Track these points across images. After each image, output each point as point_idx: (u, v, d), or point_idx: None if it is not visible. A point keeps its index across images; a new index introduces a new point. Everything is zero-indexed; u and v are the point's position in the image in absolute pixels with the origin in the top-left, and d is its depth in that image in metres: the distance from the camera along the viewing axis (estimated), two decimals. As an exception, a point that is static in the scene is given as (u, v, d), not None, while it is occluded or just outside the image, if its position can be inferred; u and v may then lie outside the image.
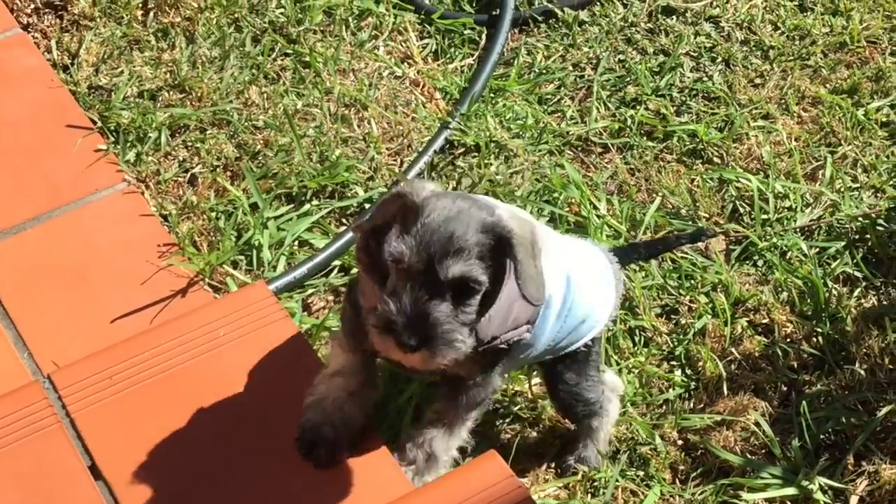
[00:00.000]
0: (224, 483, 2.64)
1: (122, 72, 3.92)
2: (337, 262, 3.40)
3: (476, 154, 3.78)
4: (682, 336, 3.30)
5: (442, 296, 2.28)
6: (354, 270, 3.37)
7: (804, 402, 3.08)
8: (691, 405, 3.18)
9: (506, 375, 2.76)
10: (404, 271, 2.29)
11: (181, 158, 3.66)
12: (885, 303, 3.37)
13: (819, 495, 2.92)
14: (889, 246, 3.52)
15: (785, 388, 3.20)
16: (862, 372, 3.17)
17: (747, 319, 3.35)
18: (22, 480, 2.63)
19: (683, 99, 4.03)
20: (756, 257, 3.53)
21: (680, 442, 3.10)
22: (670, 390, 3.19)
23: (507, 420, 3.10)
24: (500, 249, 2.33)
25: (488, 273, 2.32)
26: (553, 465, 3.04)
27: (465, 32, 4.24)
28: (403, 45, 4.20)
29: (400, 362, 2.40)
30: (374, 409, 2.80)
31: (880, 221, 3.58)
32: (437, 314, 2.27)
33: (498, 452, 2.74)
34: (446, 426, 2.63)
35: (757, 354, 3.26)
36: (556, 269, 2.59)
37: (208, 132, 3.73)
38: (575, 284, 2.67)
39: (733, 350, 3.27)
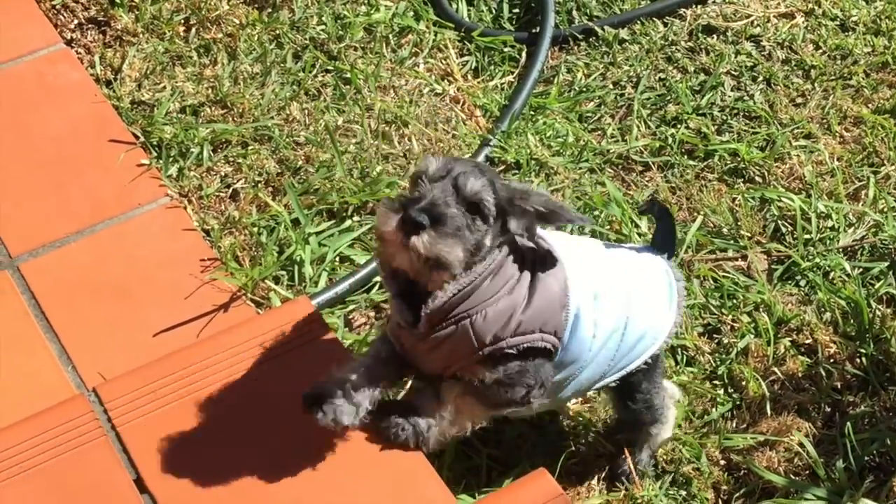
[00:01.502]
0: (267, 497, 2.63)
1: (164, 87, 3.94)
2: (378, 278, 3.39)
3: (517, 171, 3.78)
4: (724, 355, 3.28)
5: (458, 204, 2.41)
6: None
7: (848, 423, 3.06)
8: (734, 425, 3.16)
9: (547, 397, 2.70)
10: (427, 178, 2.44)
11: (223, 174, 3.68)
12: (929, 324, 3.35)
13: (864, 517, 2.90)
14: (933, 266, 3.51)
15: (829, 409, 3.18)
16: (906, 393, 3.15)
17: (790, 339, 3.33)
18: (67, 493, 2.63)
19: (724, 118, 4.02)
20: (798, 277, 3.51)
21: (723, 462, 3.08)
22: (714, 410, 3.17)
23: (550, 437, 3.08)
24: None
25: (494, 219, 2.46)
26: (595, 482, 3.03)
27: (506, 50, 4.25)
28: (443, 62, 4.21)
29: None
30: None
31: (924, 242, 3.56)
32: (451, 210, 2.39)
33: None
34: (473, 393, 2.62)
35: (800, 374, 3.25)
36: (608, 290, 2.65)
37: (250, 148, 3.74)
38: (636, 300, 2.71)
39: (776, 370, 3.25)
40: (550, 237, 2.66)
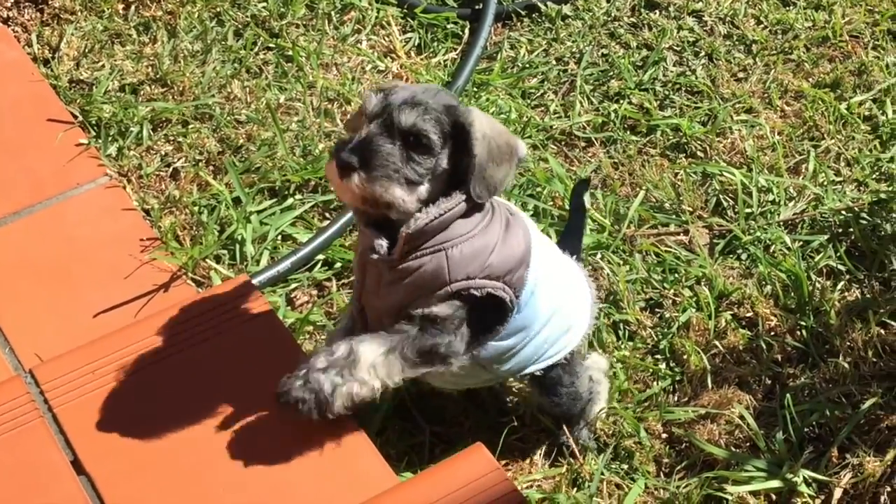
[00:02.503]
0: (207, 476, 2.62)
1: (103, 66, 3.90)
2: (321, 257, 3.38)
3: (459, 148, 3.76)
4: (666, 330, 3.30)
5: (392, 140, 2.41)
6: (338, 265, 3.36)
7: (788, 396, 3.07)
8: (676, 398, 3.17)
9: (473, 353, 2.63)
10: (366, 117, 2.45)
11: (163, 153, 3.65)
12: (868, 296, 3.37)
13: (803, 488, 2.92)
14: (872, 239, 3.53)
15: (769, 382, 3.20)
16: (846, 365, 3.17)
17: (731, 313, 3.35)
18: (3, 475, 2.60)
19: (667, 93, 4.04)
20: (740, 251, 3.53)
21: (664, 435, 3.09)
22: (655, 384, 3.18)
23: (492, 414, 3.09)
24: (461, 139, 2.45)
25: (442, 143, 2.44)
26: (537, 457, 3.03)
27: (448, 27, 4.24)
28: (386, 39, 4.19)
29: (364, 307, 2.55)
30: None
31: (863, 215, 3.58)
32: (383, 147, 2.40)
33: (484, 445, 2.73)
34: (383, 342, 2.52)
35: (741, 348, 3.26)
36: (553, 268, 2.66)
37: (190, 126, 3.72)
38: (567, 292, 2.74)
39: (717, 343, 3.26)
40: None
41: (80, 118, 3.68)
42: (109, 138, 3.63)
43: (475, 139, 2.43)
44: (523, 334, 2.67)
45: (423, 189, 2.45)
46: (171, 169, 3.60)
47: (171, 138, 3.68)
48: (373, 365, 2.51)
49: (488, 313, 2.58)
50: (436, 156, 2.44)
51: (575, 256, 2.93)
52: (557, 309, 2.70)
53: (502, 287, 2.54)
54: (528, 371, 2.77)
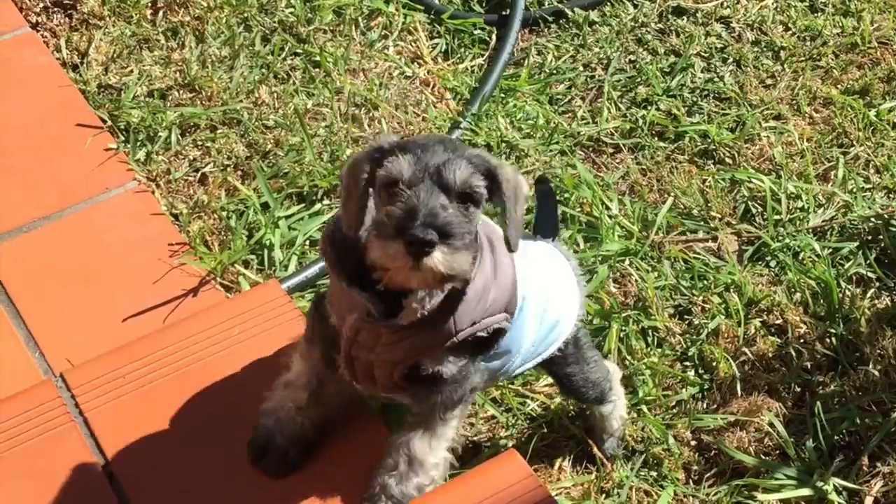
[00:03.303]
0: (235, 481, 2.62)
1: (131, 71, 3.91)
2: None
3: (487, 154, 3.76)
4: (695, 336, 3.28)
5: (449, 201, 2.15)
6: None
7: (818, 403, 3.06)
8: (704, 406, 3.16)
9: (484, 378, 2.56)
10: (403, 188, 2.15)
11: (192, 157, 3.65)
12: (898, 304, 3.36)
13: (834, 496, 2.91)
14: (902, 247, 3.52)
15: (799, 389, 3.18)
16: (876, 373, 3.16)
17: (760, 320, 3.34)
18: (35, 479, 2.61)
19: (695, 99, 4.03)
20: (769, 258, 3.52)
21: (693, 442, 3.08)
22: (684, 390, 3.17)
23: (520, 420, 3.08)
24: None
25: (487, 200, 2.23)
26: (566, 464, 3.02)
27: (476, 32, 4.24)
28: (413, 44, 4.19)
29: (353, 362, 2.40)
30: (327, 424, 2.73)
31: (893, 222, 3.57)
32: (454, 216, 2.14)
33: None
34: (424, 428, 2.50)
35: (770, 355, 3.25)
36: (530, 269, 2.52)
37: (219, 131, 3.72)
38: (548, 287, 2.60)
39: (747, 350, 3.25)
40: None
41: (109, 123, 3.69)
42: (138, 143, 3.64)
43: (505, 183, 2.23)
44: (511, 354, 2.56)
45: (472, 238, 2.23)
46: (199, 174, 3.61)
47: (200, 143, 3.69)
48: (433, 455, 2.52)
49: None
50: (482, 202, 2.22)
51: (552, 239, 2.76)
52: (543, 312, 2.57)
53: (504, 317, 2.41)
54: (517, 373, 2.70)
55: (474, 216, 2.22)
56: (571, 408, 3.09)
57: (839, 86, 4.09)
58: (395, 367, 2.39)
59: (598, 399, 2.90)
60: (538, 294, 2.54)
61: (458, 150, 2.22)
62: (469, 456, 2.97)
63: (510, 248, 2.29)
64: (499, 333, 2.43)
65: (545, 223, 2.77)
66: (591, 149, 3.86)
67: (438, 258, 2.10)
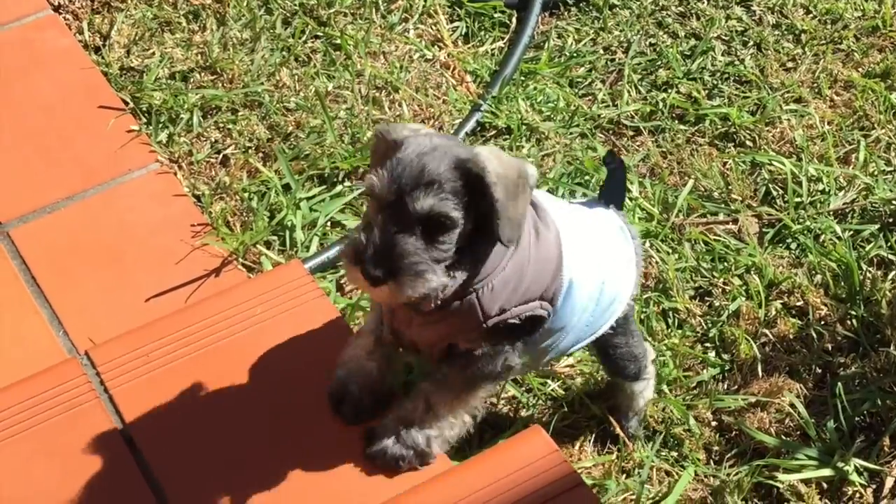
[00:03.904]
0: (258, 458, 2.64)
1: (153, 53, 3.92)
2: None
3: (507, 136, 3.77)
4: (715, 318, 3.29)
5: (412, 230, 2.23)
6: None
7: (839, 384, 3.06)
8: (725, 387, 3.16)
9: (523, 358, 2.59)
10: (376, 204, 2.27)
11: (213, 139, 3.67)
12: (919, 286, 3.36)
13: (854, 477, 2.91)
14: (923, 229, 3.52)
15: (819, 371, 3.19)
16: (897, 354, 3.16)
17: (781, 302, 3.34)
18: (61, 455, 2.63)
19: (715, 82, 4.03)
20: (789, 240, 3.52)
21: (714, 423, 3.09)
22: (705, 371, 3.17)
23: (541, 401, 3.09)
24: (477, 188, 2.26)
25: (463, 211, 2.26)
26: (587, 444, 3.03)
27: (496, 16, 4.24)
28: (433, 27, 4.19)
29: (398, 333, 2.50)
30: (401, 371, 2.82)
31: (914, 204, 3.57)
32: (404, 246, 2.23)
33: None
34: (450, 388, 2.55)
35: (791, 336, 3.25)
36: (589, 245, 2.56)
37: (240, 113, 3.73)
38: (606, 264, 2.62)
39: (767, 332, 3.26)
40: None
41: (131, 105, 3.70)
42: (160, 125, 3.65)
43: (493, 185, 2.24)
44: (560, 333, 2.59)
45: (450, 257, 2.30)
46: (220, 156, 3.62)
47: (221, 125, 3.70)
48: (451, 408, 2.56)
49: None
50: (458, 227, 2.28)
51: (616, 207, 2.77)
52: (599, 293, 2.60)
53: (539, 305, 2.45)
54: (573, 350, 2.74)
55: (447, 237, 2.27)
56: (595, 385, 3.10)
57: (860, 69, 4.08)
58: (433, 346, 2.50)
59: (635, 375, 2.92)
60: (595, 272, 2.56)
61: (443, 165, 2.25)
62: (490, 436, 2.98)
63: (503, 243, 2.31)
64: (535, 321, 2.48)
65: (611, 192, 2.79)
66: (611, 131, 3.86)
67: (385, 293, 2.25)
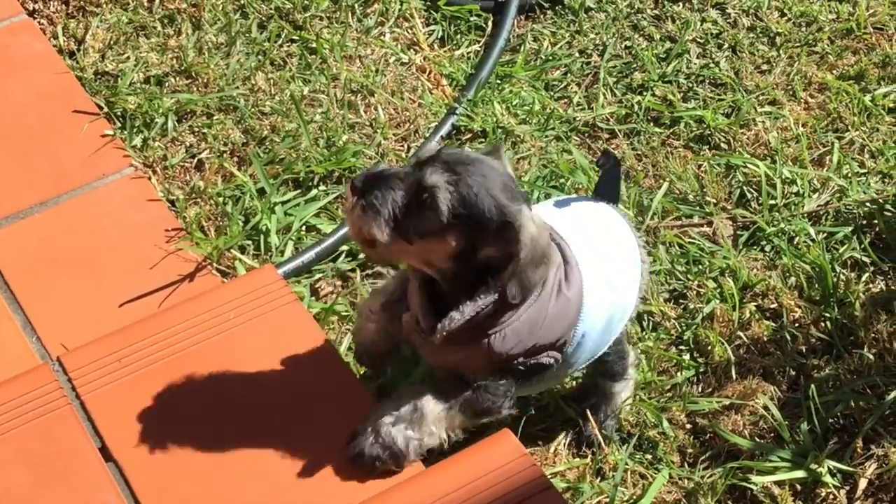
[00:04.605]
0: (234, 462, 2.63)
1: (128, 57, 3.91)
2: (345, 247, 3.39)
3: (483, 139, 3.77)
4: (690, 321, 3.29)
5: (408, 190, 2.32)
6: (362, 255, 3.37)
7: (813, 387, 3.07)
8: (700, 389, 3.17)
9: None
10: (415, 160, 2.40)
11: (188, 144, 3.66)
12: (893, 288, 3.36)
13: (828, 478, 2.92)
14: (897, 231, 3.53)
15: (793, 373, 3.19)
16: (871, 356, 3.16)
17: (755, 304, 3.35)
18: (32, 462, 2.62)
19: (690, 85, 4.03)
20: (764, 242, 3.52)
21: (689, 426, 3.09)
22: (679, 374, 3.18)
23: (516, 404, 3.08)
24: (497, 229, 2.33)
25: (457, 225, 2.32)
26: (561, 448, 3.03)
27: (472, 19, 4.24)
28: (409, 31, 4.19)
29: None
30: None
31: (888, 207, 3.57)
32: (389, 191, 2.31)
33: (510, 432, 2.74)
34: (445, 399, 2.57)
35: (765, 339, 3.26)
36: (601, 293, 2.62)
37: (215, 118, 3.73)
38: (614, 289, 2.68)
39: (741, 334, 3.26)
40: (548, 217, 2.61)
41: (106, 109, 3.69)
42: (135, 129, 3.64)
43: (522, 242, 2.32)
44: (566, 369, 2.70)
45: (415, 242, 2.36)
46: (195, 160, 3.62)
47: (196, 130, 3.70)
48: (438, 419, 2.56)
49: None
50: (439, 218, 2.32)
51: (614, 204, 2.85)
52: (607, 321, 2.67)
53: (546, 355, 2.55)
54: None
55: (421, 221, 2.33)
56: (571, 388, 3.10)
57: (834, 71, 4.10)
58: (442, 368, 2.60)
59: (620, 374, 2.95)
60: (606, 311, 2.64)
61: (478, 178, 2.33)
62: (460, 441, 2.97)
63: (508, 299, 2.38)
64: (542, 367, 2.56)
65: (606, 189, 2.84)
66: (586, 134, 3.87)
67: (355, 212, 2.33)
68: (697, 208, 3.60)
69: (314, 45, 4.01)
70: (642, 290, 2.83)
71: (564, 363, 2.63)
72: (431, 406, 2.56)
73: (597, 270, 2.61)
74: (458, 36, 4.22)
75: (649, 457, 3.03)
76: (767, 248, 3.51)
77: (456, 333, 2.43)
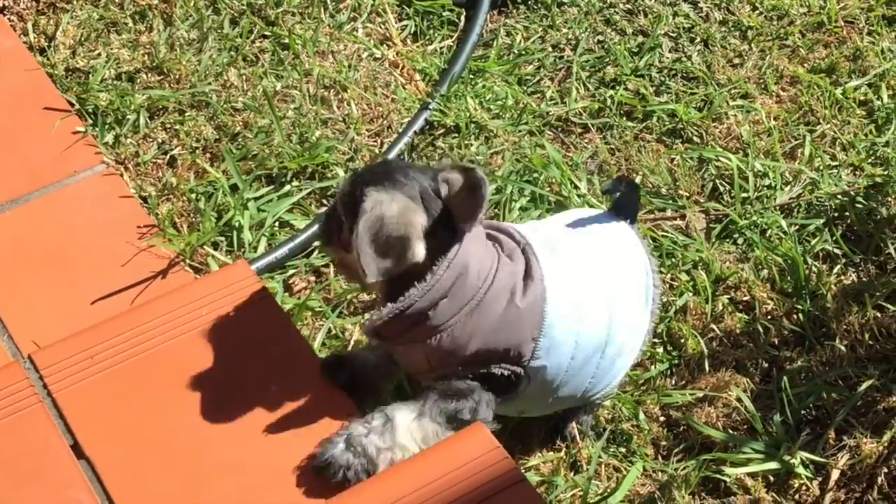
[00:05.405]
0: (206, 457, 2.62)
1: (99, 54, 3.90)
2: (318, 243, 3.38)
3: (456, 135, 3.77)
4: (663, 314, 3.30)
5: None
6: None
7: (785, 378, 3.08)
8: (673, 382, 3.18)
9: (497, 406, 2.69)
10: None
11: (160, 140, 3.65)
12: (864, 279, 3.38)
13: (801, 469, 2.93)
14: (867, 223, 3.53)
15: (766, 365, 3.21)
16: (842, 348, 3.18)
17: (728, 297, 3.36)
18: (3, 460, 2.60)
19: (662, 79, 4.04)
20: (736, 235, 3.54)
21: (662, 418, 3.10)
22: (653, 367, 3.19)
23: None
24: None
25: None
26: (535, 443, 3.04)
27: (444, 14, 4.24)
28: (382, 26, 4.19)
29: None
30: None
31: (859, 199, 3.59)
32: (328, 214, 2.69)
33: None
34: (414, 407, 2.57)
35: (738, 331, 3.27)
36: (588, 309, 2.64)
37: (187, 114, 3.72)
38: (613, 314, 2.70)
39: (715, 327, 3.27)
40: (523, 228, 2.66)
41: (77, 106, 3.68)
42: (106, 126, 3.63)
43: (363, 208, 2.43)
44: (550, 385, 2.67)
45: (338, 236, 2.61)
46: (168, 156, 3.61)
47: (168, 126, 3.68)
48: (409, 430, 2.55)
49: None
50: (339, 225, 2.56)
51: (629, 222, 2.89)
52: (599, 345, 2.68)
53: (499, 366, 2.56)
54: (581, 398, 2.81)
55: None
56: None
57: (806, 64, 4.11)
58: (416, 373, 2.68)
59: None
60: (601, 322, 2.66)
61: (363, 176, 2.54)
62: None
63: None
64: (493, 377, 2.57)
65: (624, 208, 2.91)
66: (559, 129, 3.87)
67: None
68: (670, 202, 3.61)
69: (287, 40, 4.00)
70: (647, 335, 2.85)
71: (543, 383, 2.62)
72: (403, 415, 2.55)
73: (580, 292, 2.63)
74: (431, 31, 4.21)
75: (623, 450, 3.04)
76: (740, 241, 3.53)
77: (395, 331, 2.50)
